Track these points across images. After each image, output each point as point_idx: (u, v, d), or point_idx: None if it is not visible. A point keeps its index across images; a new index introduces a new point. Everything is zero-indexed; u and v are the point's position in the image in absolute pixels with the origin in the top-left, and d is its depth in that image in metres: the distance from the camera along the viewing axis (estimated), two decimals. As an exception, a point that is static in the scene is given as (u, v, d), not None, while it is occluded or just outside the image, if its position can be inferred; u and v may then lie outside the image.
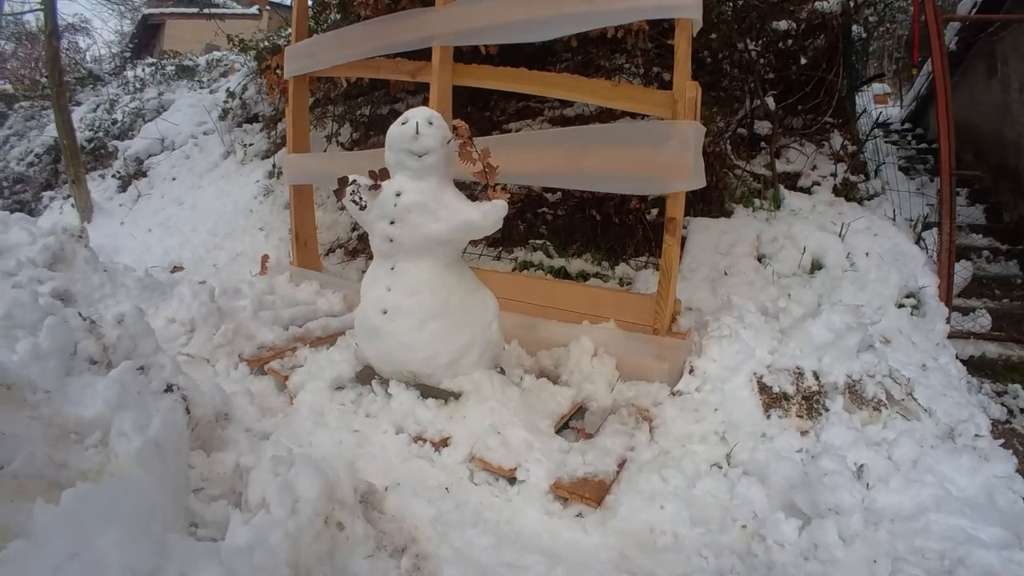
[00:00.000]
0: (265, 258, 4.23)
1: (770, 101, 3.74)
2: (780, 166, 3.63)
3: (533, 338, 2.75)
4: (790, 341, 2.43)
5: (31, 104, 8.65)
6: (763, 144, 3.79)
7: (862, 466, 1.90)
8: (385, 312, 2.15)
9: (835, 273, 3.11)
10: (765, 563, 1.75)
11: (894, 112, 7.97)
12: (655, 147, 2.34)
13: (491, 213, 2.06)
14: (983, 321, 3.42)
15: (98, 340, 1.84)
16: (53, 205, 6.40)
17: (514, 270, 3.69)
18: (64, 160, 5.63)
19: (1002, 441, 2.19)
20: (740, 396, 2.31)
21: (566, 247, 3.72)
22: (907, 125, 7.07)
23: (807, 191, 3.57)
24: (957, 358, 2.87)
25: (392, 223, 2.11)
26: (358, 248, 4.55)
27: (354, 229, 4.72)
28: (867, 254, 3.18)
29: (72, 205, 5.67)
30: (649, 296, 2.71)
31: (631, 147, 2.40)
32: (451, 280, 2.19)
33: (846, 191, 3.56)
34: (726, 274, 3.12)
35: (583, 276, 3.51)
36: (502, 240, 3.90)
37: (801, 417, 2.23)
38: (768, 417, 2.25)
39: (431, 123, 2.09)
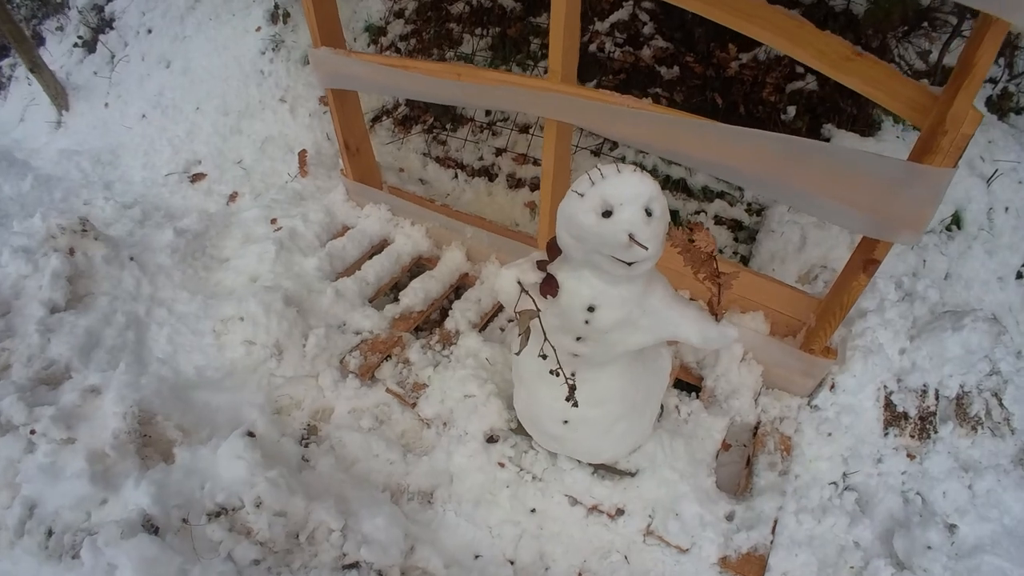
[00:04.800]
0: (303, 155, 3.21)
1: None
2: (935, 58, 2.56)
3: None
4: (923, 346, 2.08)
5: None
6: (924, 24, 2.61)
7: (954, 526, 1.78)
8: (567, 422, 1.59)
9: (971, 232, 2.46)
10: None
11: None
12: (893, 189, 1.49)
13: (717, 341, 1.36)
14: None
15: (250, 538, 1.32)
16: (17, 76, 4.44)
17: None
18: (11, 44, 3.75)
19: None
20: (865, 408, 2.05)
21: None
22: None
23: (951, 99, 2.59)
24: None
25: (579, 339, 1.40)
26: (410, 116, 3.43)
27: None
28: (1007, 209, 2.48)
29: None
30: (808, 296, 2.11)
31: (861, 179, 1.52)
32: (638, 372, 1.58)
33: (1000, 104, 2.60)
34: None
35: (706, 193, 2.67)
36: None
37: (913, 437, 2.01)
38: (886, 435, 2.02)
39: (651, 214, 1.18)
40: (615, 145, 2.86)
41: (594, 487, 1.81)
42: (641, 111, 1.71)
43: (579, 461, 1.82)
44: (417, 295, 2.43)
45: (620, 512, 1.81)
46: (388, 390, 2.14)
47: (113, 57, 4.01)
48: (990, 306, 2.41)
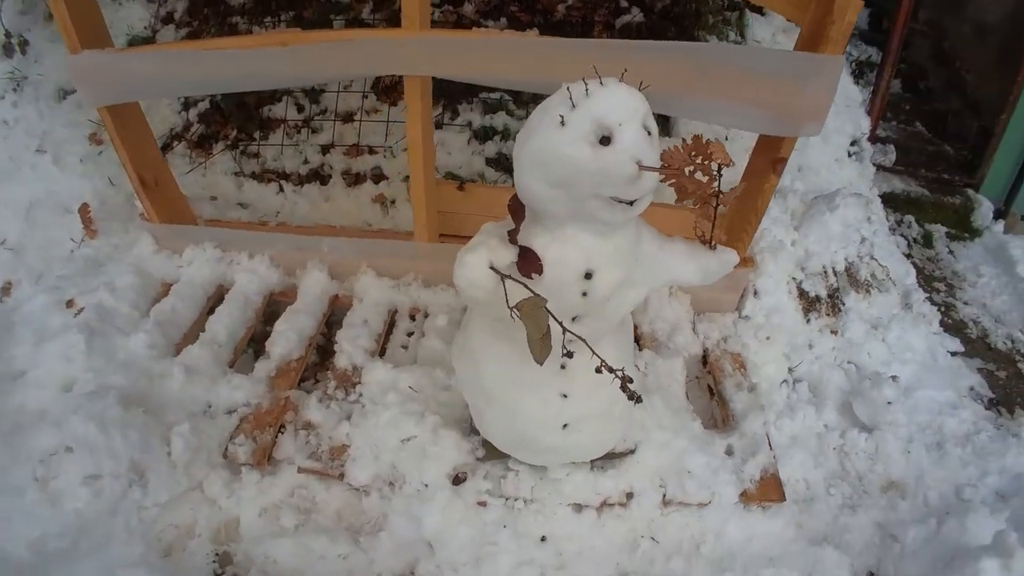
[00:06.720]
0: (85, 210, 2.25)
1: None
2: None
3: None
4: (809, 233, 2.15)
5: None
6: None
7: (895, 377, 1.88)
8: (567, 426, 1.19)
9: (803, 126, 2.61)
10: (855, 475, 1.74)
11: None
12: (795, 83, 1.41)
13: (719, 272, 1.10)
14: (891, 156, 3.20)
15: None
16: None
17: (468, 142, 2.40)
18: None
19: (927, 296, 2.25)
20: (785, 303, 2.05)
21: (536, 98, 2.47)
22: None
23: (760, 10, 2.68)
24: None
25: (574, 319, 1.01)
26: (207, 135, 2.58)
27: (187, 107, 2.62)
28: (823, 100, 2.69)
29: None
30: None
31: (765, 79, 1.42)
32: (621, 335, 1.24)
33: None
34: (727, 139, 2.39)
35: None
36: (442, 95, 2.41)
37: (829, 316, 2.09)
38: (808, 322, 2.07)
39: (651, 132, 0.85)
40: (455, 115, 2.46)
41: (598, 483, 1.47)
42: (528, 40, 1.37)
43: (572, 463, 1.46)
44: (289, 339, 1.80)
45: (630, 496, 1.51)
46: (300, 469, 1.52)
47: None
48: (838, 185, 2.54)
